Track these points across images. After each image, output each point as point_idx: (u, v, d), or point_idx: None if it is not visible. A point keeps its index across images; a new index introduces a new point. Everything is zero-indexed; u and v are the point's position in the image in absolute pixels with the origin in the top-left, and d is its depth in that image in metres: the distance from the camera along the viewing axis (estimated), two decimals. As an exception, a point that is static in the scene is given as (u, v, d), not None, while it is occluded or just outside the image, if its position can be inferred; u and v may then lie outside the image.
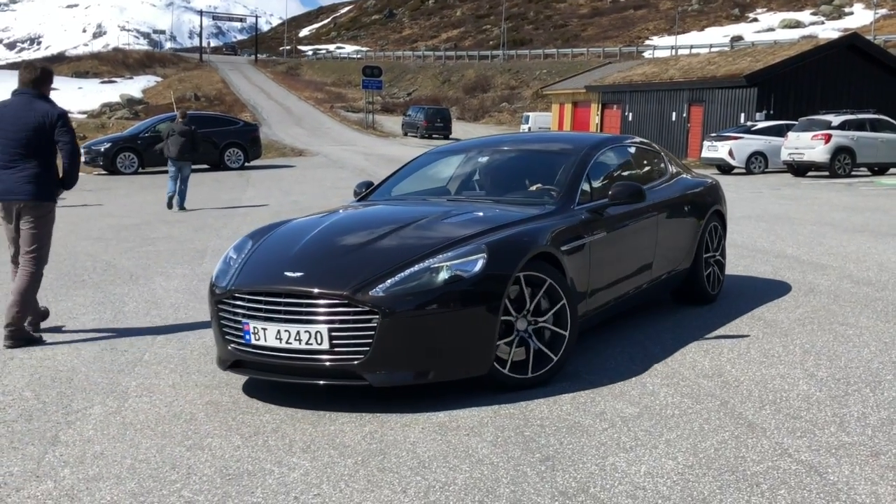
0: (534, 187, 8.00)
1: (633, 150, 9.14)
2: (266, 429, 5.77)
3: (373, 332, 5.91)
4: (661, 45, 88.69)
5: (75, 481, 4.95)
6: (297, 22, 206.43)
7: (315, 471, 5.05)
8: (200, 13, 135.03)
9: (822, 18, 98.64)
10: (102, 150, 32.24)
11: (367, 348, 5.92)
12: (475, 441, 5.46)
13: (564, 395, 6.32)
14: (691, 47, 78.76)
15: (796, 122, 32.83)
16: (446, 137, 62.14)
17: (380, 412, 6.05)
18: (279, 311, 6.10)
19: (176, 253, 13.62)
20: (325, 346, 5.96)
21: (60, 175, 8.30)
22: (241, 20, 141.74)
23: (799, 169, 31.56)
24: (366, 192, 8.68)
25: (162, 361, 7.47)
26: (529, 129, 57.26)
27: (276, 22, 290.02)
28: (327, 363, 6.01)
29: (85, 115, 64.69)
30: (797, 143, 30.98)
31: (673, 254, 8.86)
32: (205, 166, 32.79)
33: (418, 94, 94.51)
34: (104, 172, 32.30)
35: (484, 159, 8.85)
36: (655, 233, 8.47)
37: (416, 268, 6.14)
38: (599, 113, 53.86)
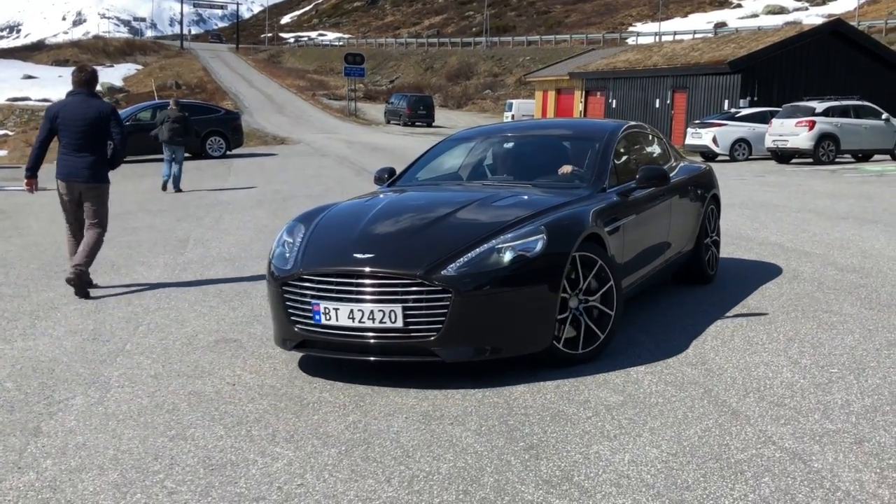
0: (566, 169, 8.24)
1: (639, 135, 9.40)
2: (249, 419, 5.75)
3: (446, 311, 6.13)
4: (644, 32, 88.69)
5: (57, 472, 4.93)
6: (278, 9, 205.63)
7: (298, 461, 5.03)
8: (181, 0, 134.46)
9: (806, 4, 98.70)
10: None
11: (441, 326, 6.14)
12: (459, 430, 5.45)
13: (548, 384, 6.32)
14: (675, 34, 78.80)
15: (780, 109, 32.80)
16: (429, 125, 62.09)
17: (363, 402, 6.04)
18: (352, 292, 6.28)
19: (158, 242, 13.56)
20: (399, 324, 6.17)
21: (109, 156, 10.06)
22: (221, 7, 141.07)
23: (783, 156, 31.59)
24: (389, 178, 8.84)
25: (144, 352, 7.44)
26: (513, 116, 57.12)
27: (257, 9, 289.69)
28: (401, 340, 6.22)
29: (66, 104, 64.34)
30: (781, 130, 30.98)
31: (682, 236, 9.18)
32: (186, 155, 32.60)
33: (401, 81, 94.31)
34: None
35: (508, 145, 9.05)
36: (670, 215, 8.80)
37: (482, 248, 6.37)
38: (583, 100, 53.86)
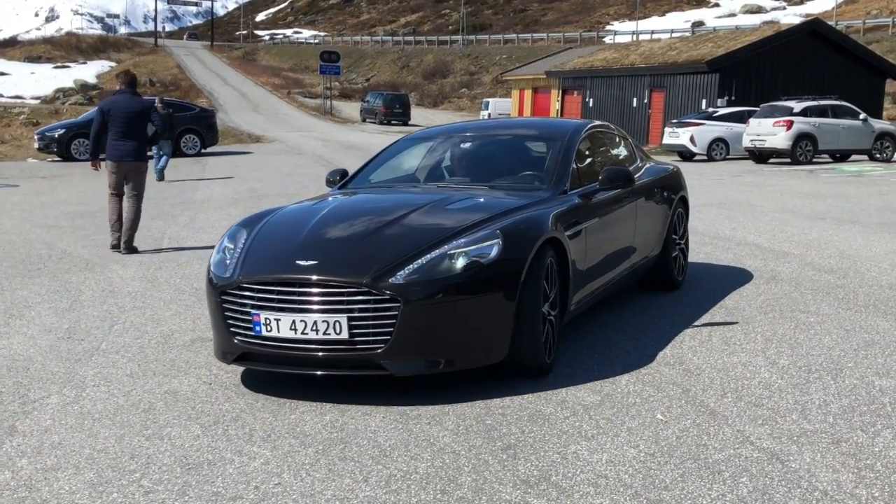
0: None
1: (603, 135, 9.13)
2: (226, 418, 5.73)
3: (394, 321, 5.82)
4: (621, 31, 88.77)
5: (33, 471, 4.90)
6: (253, 6, 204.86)
7: (276, 460, 5.02)
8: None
9: (784, 4, 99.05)
10: (56, 136, 31.81)
11: (388, 337, 5.83)
12: (436, 430, 5.45)
13: (525, 383, 6.31)
14: (652, 32, 78.84)
15: (758, 109, 32.79)
16: (405, 124, 62.01)
17: (340, 401, 6.02)
18: (293, 301, 5.95)
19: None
20: (345, 335, 5.86)
21: (150, 140, 13.09)
22: (196, 4, 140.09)
23: (760, 156, 31.58)
24: (341, 179, 8.50)
25: (119, 350, 7.40)
26: (489, 115, 57.08)
27: (231, 6, 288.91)
28: (346, 353, 5.92)
29: (38, 101, 64.15)
30: (759, 130, 30.98)
31: (648, 240, 8.95)
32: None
33: (377, 79, 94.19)
34: (58, 159, 31.93)
35: (466, 146, 8.73)
36: (635, 219, 8.54)
37: (434, 254, 6.06)
38: (560, 99, 53.86)
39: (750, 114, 32.88)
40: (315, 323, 5.87)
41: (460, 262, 6.03)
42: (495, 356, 6.19)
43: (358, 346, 5.89)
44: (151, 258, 11.88)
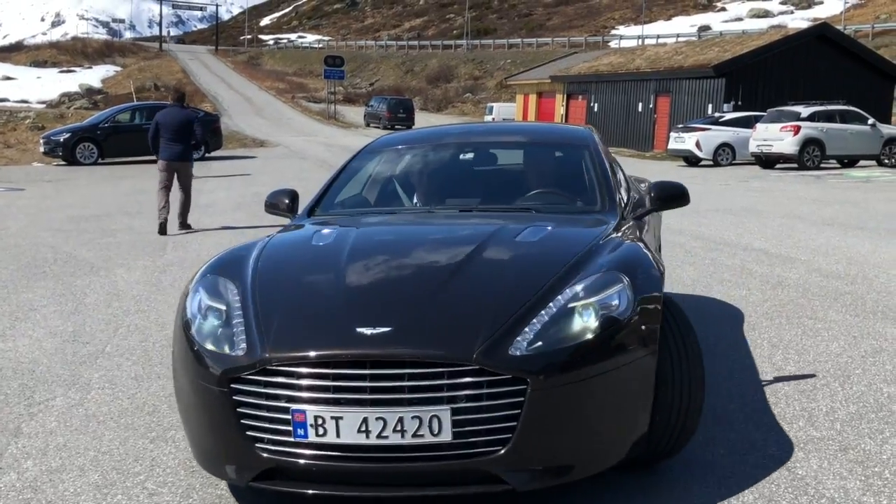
0: None
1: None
2: (231, 422, 5.71)
3: (518, 411, 4.03)
4: (627, 35, 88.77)
5: (38, 473, 4.91)
6: (257, 11, 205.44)
7: (281, 464, 4.99)
8: (160, 1, 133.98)
9: (792, 8, 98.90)
10: (62, 140, 31.81)
11: (510, 435, 4.03)
12: None
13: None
14: (658, 37, 78.79)
15: (765, 114, 32.74)
16: (409, 129, 61.85)
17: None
18: (364, 390, 4.03)
19: (137, 244, 13.49)
20: (446, 436, 4.00)
21: (194, 143, 15.53)
22: (201, 9, 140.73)
23: (767, 161, 31.45)
24: (292, 204, 6.59)
25: (124, 353, 7.40)
26: (493, 119, 57.17)
27: (236, 10, 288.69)
28: (448, 462, 4.07)
29: (44, 105, 64.23)
30: (765, 135, 30.88)
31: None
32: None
33: (381, 84, 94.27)
34: (63, 163, 31.95)
35: (467, 156, 7.05)
36: (653, 237, 7.35)
37: (552, 310, 4.30)
38: (565, 104, 53.85)
39: (756, 119, 32.84)
40: (401, 421, 3.99)
41: (591, 319, 4.30)
42: (638, 445, 4.50)
43: (465, 451, 4.06)
44: (155, 262, 11.88)
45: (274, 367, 4.12)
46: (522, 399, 4.02)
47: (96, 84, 79.84)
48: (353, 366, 4.05)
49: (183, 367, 4.52)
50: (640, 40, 79.61)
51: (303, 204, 6.50)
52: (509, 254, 5.01)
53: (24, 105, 65.02)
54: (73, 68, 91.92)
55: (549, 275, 4.56)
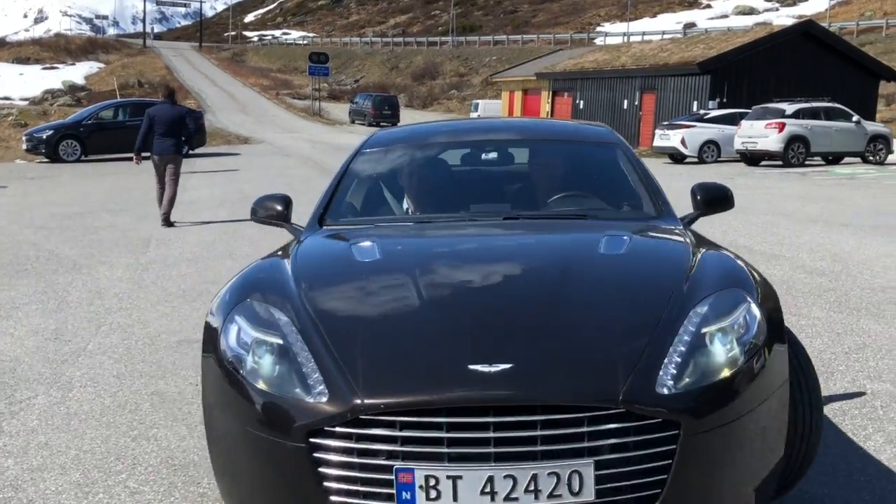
0: None
1: None
2: (213, 419, 5.69)
3: (669, 461, 3.28)
4: (612, 32, 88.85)
5: (19, 472, 4.89)
6: (242, 7, 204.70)
7: (264, 462, 4.97)
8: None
9: (777, 5, 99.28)
10: (44, 137, 31.68)
11: (659, 491, 3.29)
12: None
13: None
14: (643, 34, 78.91)
15: (750, 111, 32.75)
16: (394, 126, 61.68)
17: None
18: (485, 442, 3.20)
19: (119, 242, 13.45)
20: (589, 496, 3.21)
21: (184, 138, 16.37)
22: (185, 5, 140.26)
23: (752, 158, 31.42)
24: (285, 211, 5.58)
25: (106, 351, 7.37)
26: (479, 116, 57.15)
27: (220, 7, 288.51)
28: None
29: (27, 102, 63.93)
30: (750, 132, 30.89)
31: None
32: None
33: (366, 80, 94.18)
34: (46, 160, 31.83)
35: (491, 155, 6.18)
36: None
37: (685, 337, 3.54)
38: (550, 100, 53.82)
39: (742, 116, 32.81)
40: (534, 479, 3.18)
41: (732, 346, 3.58)
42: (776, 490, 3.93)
43: None
44: (138, 259, 11.85)
45: (370, 417, 3.26)
46: (674, 447, 3.28)
47: (79, 81, 79.52)
48: (473, 412, 3.23)
49: (233, 416, 3.61)
50: (626, 37, 79.68)
51: (295, 210, 5.82)
52: (604, 271, 4.17)
53: (7, 102, 64.63)
54: (56, 65, 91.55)
55: (662, 295, 3.82)
